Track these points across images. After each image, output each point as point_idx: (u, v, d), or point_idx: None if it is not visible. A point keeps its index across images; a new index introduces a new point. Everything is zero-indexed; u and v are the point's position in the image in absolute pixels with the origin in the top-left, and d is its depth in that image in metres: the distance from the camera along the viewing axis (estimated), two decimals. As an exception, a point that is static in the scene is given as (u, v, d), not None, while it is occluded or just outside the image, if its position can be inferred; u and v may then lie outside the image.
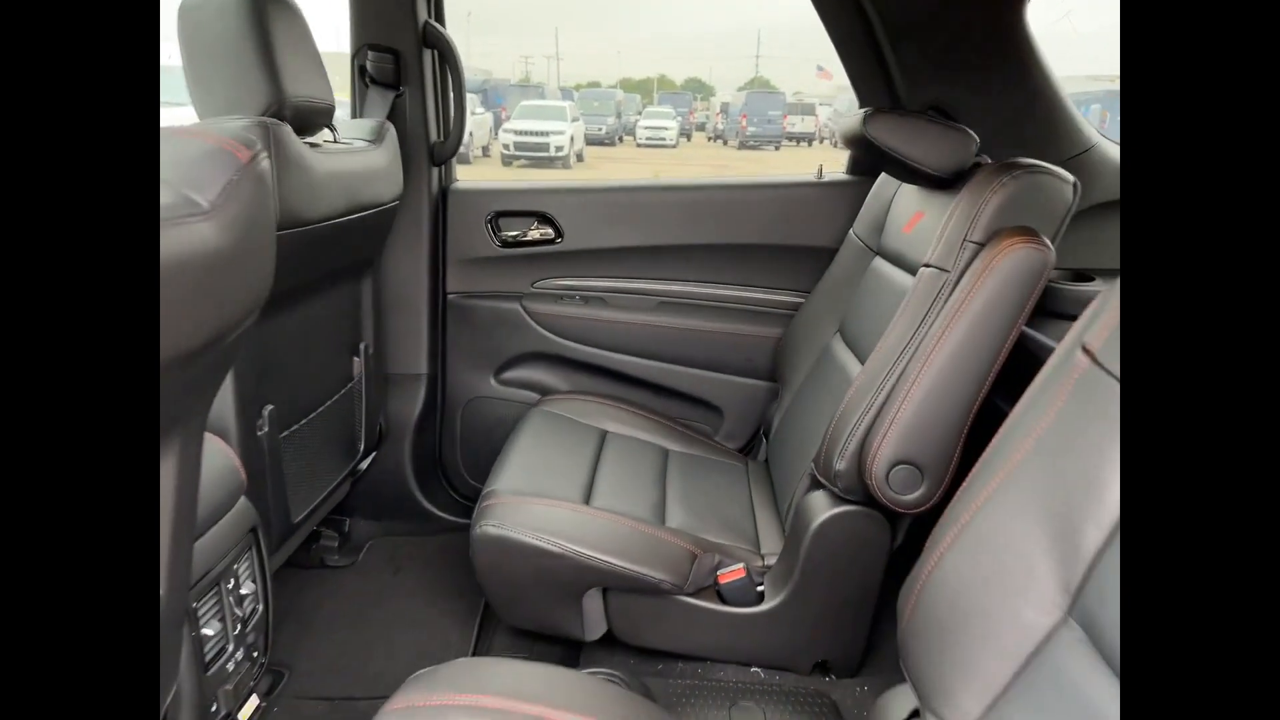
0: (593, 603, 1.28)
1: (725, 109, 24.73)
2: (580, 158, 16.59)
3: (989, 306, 1.05)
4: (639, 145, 20.18)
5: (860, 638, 1.30)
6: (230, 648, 1.09)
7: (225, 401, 1.18)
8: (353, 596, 1.67)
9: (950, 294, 1.11)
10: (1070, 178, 1.16)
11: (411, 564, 1.79)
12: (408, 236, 1.77)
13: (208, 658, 1.04)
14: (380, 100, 1.68)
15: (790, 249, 1.81)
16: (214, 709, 1.07)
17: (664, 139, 20.02)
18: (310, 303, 1.41)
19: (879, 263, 1.47)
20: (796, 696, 1.27)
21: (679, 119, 22.48)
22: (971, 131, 1.23)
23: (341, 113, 1.49)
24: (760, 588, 1.31)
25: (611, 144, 20.46)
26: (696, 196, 1.84)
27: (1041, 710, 0.61)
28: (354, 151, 1.40)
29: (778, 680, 1.32)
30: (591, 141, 18.52)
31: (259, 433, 1.25)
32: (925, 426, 1.09)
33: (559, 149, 15.30)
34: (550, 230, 1.86)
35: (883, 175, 1.62)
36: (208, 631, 1.03)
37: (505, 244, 1.86)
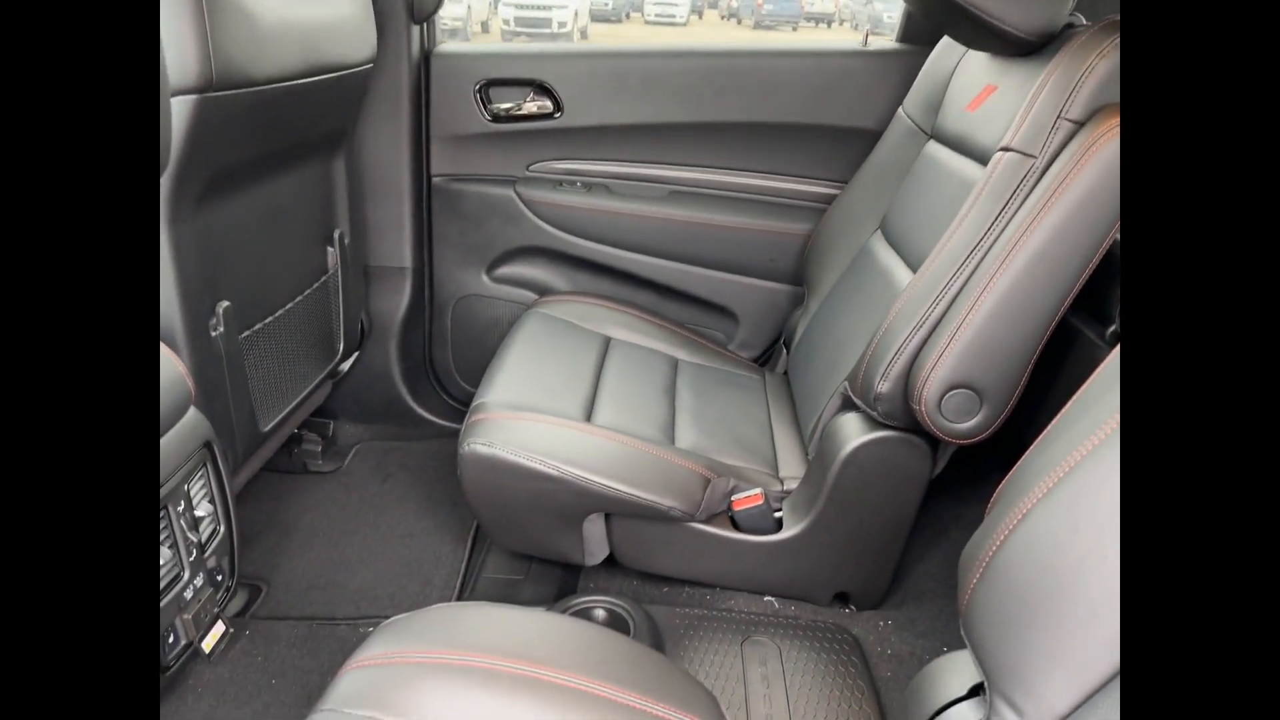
0: (594, 527, 1.16)
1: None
2: (584, 34, 15.69)
3: (1086, 201, 0.86)
4: (648, 22, 19.05)
5: (886, 570, 1.19)
6: (186, 574, 0.97)
7: (168, 300, 1.01)
8: (337, 505, 1.56)
9: (1036, 184, 0.92)
10: None
11: (401, 472, 1.67)
12: (384, 108, 1.54)
13: (161, 584, 0.92)
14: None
15: (826, 130, 1.58)
16: (171, 640, 0.96)
17: (673, 16, 18.88)
18: (271, 183, 1.21)
19: (934, 148, 1.26)
20: (814, 629, 1.17)
21: (694, -7, 21.04)
22: None
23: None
24: (778, 514, 1.18)
25: (618, 20, 19.28)
26: (719, 65, 1.59)
27: None
28: (313, 2, 1.16)
29: (793, 611, 1.22)
30: (597, 18, 17.45)
31: (213, 334, 1.09)
32: (991, 345, 0.92)
33: (561, 24, 14.44)
34: (548, 103, 1.62)
35: (943, 41, 1.38)
36: (161, 556, 0.91)
37: (496, 118, 1.63)
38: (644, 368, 1.41)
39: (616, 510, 1.13)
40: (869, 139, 1.50)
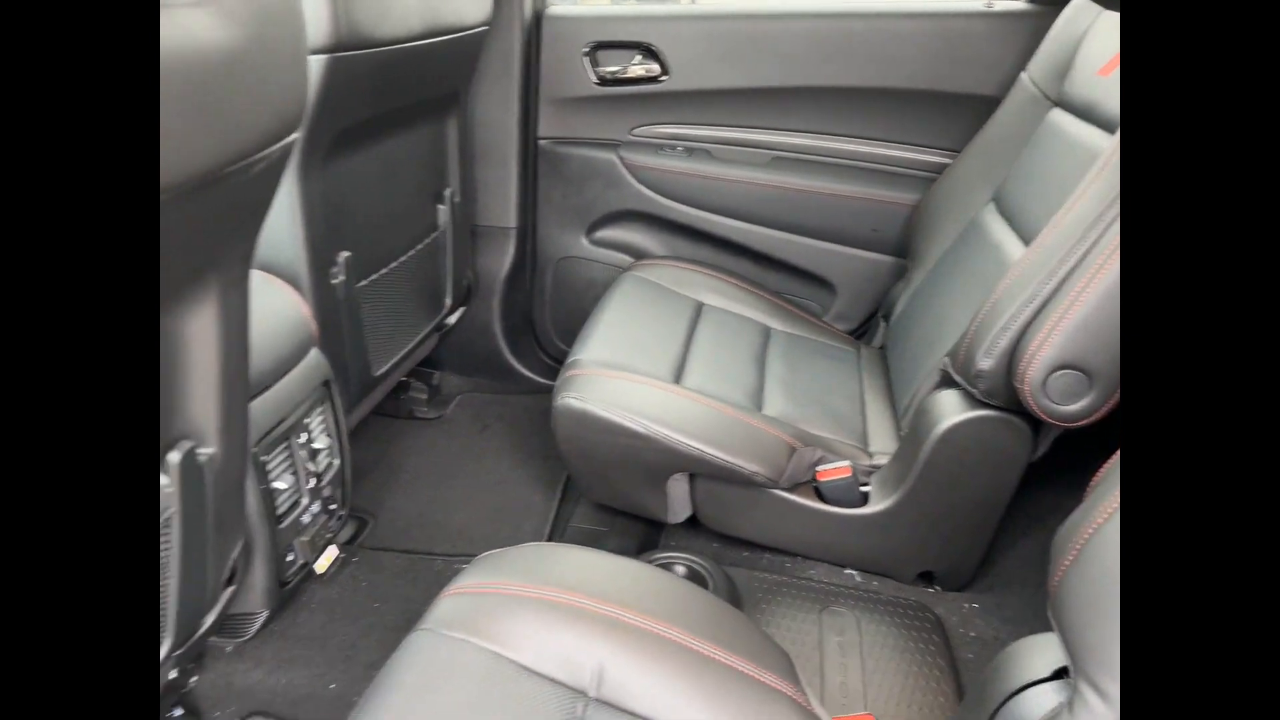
0: (678, 487, 1.19)
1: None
2: None
3: None
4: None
5: (975, 552, 1.16)
6: (305, 501, 1.07)
7: (295, 248, 1.09)
8: (439, 451, 1.66)
9: None
10: None
11: (498, 423, 1.75)
12: (496, 70, 1.58)
13: (280, 511, 1.01)
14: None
15: (940, 96, 1.51)
16: (290, 559, 1.06)
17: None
18: (389, 141, 1.28)
19: (1058, 115, 1.18)
20: (896, 606, 1.16)
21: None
22: None
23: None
24: (865, 489, 1.17)
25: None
26: (830, 27, 1.54)
27: None
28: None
29: (875, 586, 1.21)
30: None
31: (334, 281, 1.17)
32: (1105, 324, 0.87)
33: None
34: (655, 65, 1.62)
35: (1076, 1, 1.28)
36: (280, 485, 1.00)
37: (603, 81, 1.65)
38: (735, 334, 1.41)
39: (700, 471, 1.15)
40: (988, 106, 1.42)
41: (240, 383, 0.75)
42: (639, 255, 1.74)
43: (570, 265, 1.81)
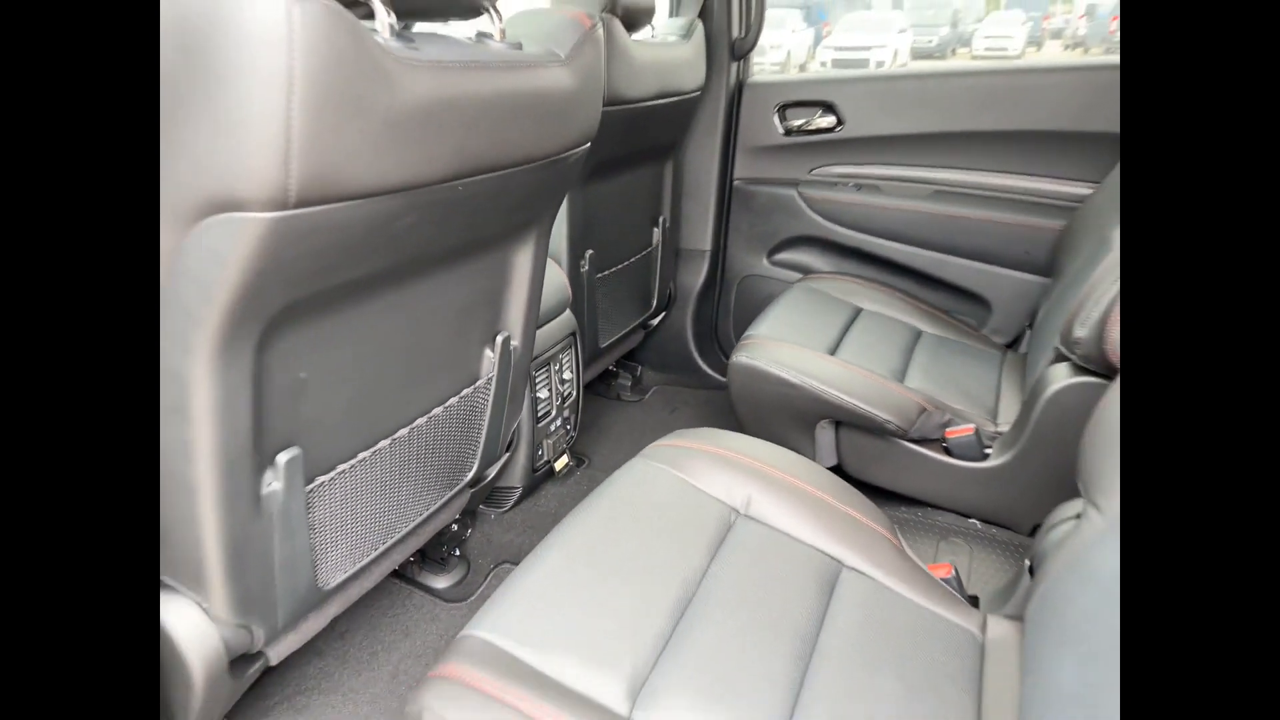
0: (825, 434, 1.49)
1: (1091, 9, 20.88)
2: (903, 73, 15.44)
3: None
4: (974, 57, 18.16)
5: None
6: (553, 414, 1.52)
7: (560, 240, 1.57)
8: (638, 423, 2.07)
9: None
10: None
11: (685, 408, 2.14)
12: (705, 125, 2.04)
13: (539, 414, 1.47)
14: (692, 3, 1.94)
15: (1083, 135, 1.72)
16: (540, 453, 1.51)
17: (1005, 49, 17.71)
18: (624, 176, 1.76)
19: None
20: (1008, 547, 1.35)
21: (1029, 23, 19.58)
22: None
23: (661, 12, 1.77)
24: (988, 450, 1.39)
25: (942, 56, 18.65)
26: (986, 82, 1.82)
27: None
28: (667, 45, 1.68)
29: (994, 533, 1.41)
30: (919, 54, 17.09)
31: (581, 269, 1.64)
32: None
33: (879, 64, 14.45)
34: (833, 118, 1.99)
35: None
36: (541, 394, 1.46)
37: (789, 132, 2.04)
38: (889, 330, 1.69)
39: (843, 418, 1.44)
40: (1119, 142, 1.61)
41: (535, 305, 1.20)
42: (811, 273, 2.08)
43: (751, 282, 2.19)
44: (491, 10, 0.85)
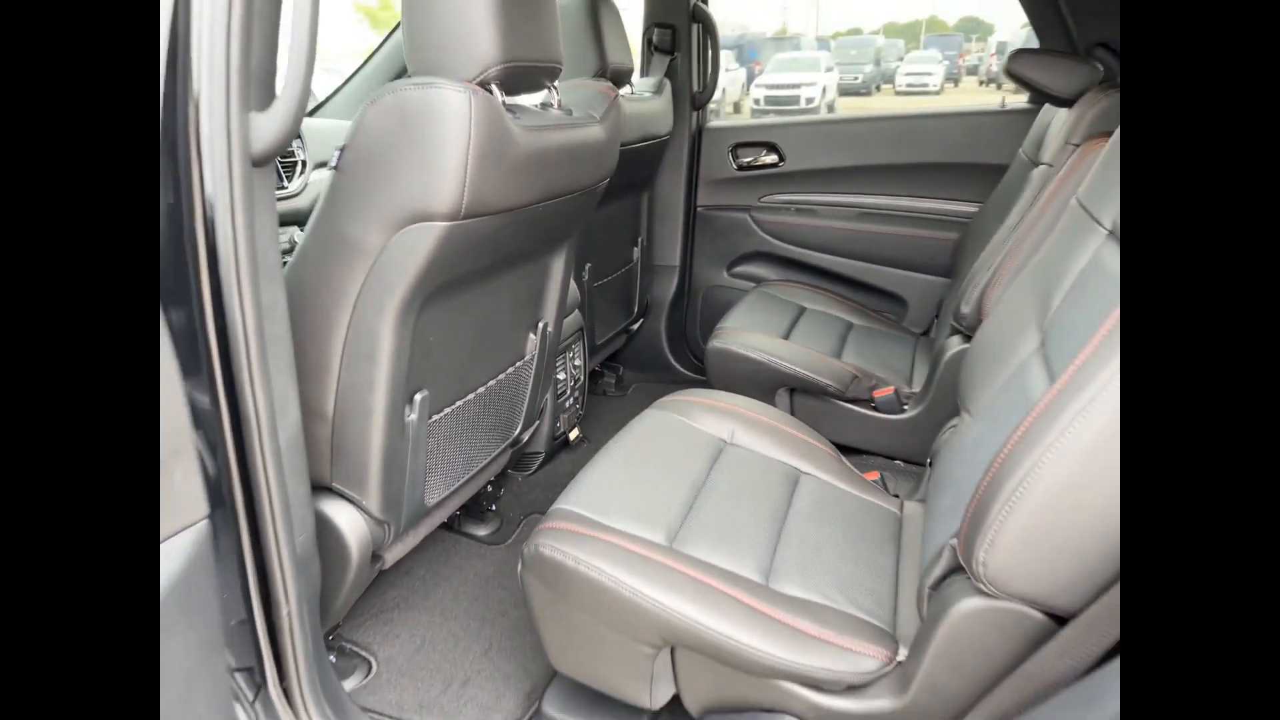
0: (782, 399, 1.90)
1: (1002, 49, 22.60)
2: (831, 108, 16.40)
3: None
4: (898, 93, 19.34)
5: None
6: (568, 393, 1.89)
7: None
8: (626, 413, 2.43)
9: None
10: None
11: (663, 399, 2.53)
12: (673, 162, 2.47)
13: (558, 392, 1.84)
14: (660, 63, 2.38)
15: (969, 165, 2.21)
16: (558, 424, 1.88)
17: (926, 85, 18.92)
18: (613, 203, 2.16)
19: (1036, 171, 1.86)
20: (921, 478, 1.78)
21: (946, 63, 21.03)
22: (1098, 63, 1.59)
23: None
24: (905, 406, 1.83)
25: (867, 93, 19.82)
26: (896, 125, 2.31)
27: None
28: (644, 99, 2.11)
29: (914, 470, 1.84)
30: (846, 92, 18.13)
31: (584, 278, 2.03)
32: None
33: (809, 100, 15.26)
34: (775, 156, 2.45)
35: (1048, 105, 1.97)
36: (560, 377, 1.83)
37: (740, 168, 2.49)
38: (827, 323, 2.13)
39: (795, 385, 1.85)
40: (999, 171, 2.11)
41: (564, 300, 1.58)
42: (763, 282, 2.51)
43: (714, 292, 2.61)
44: (551, 88, 1.24)
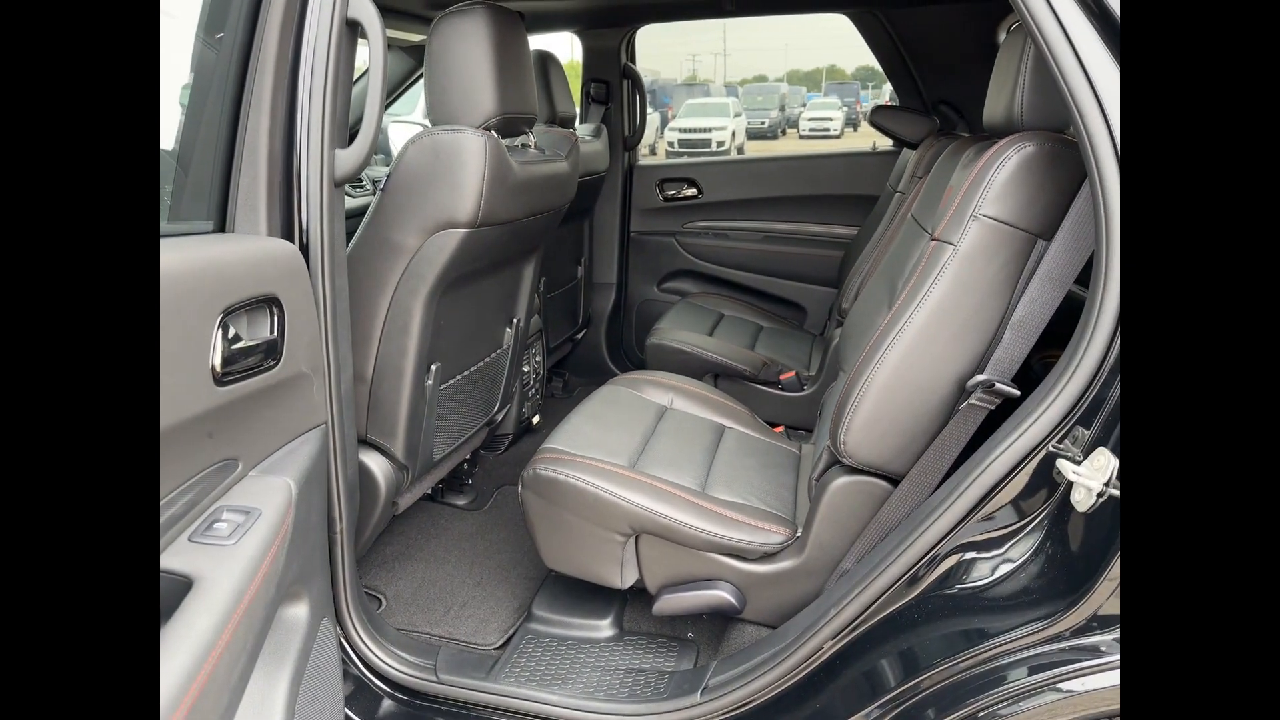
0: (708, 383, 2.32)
1: (895, 96, 24.45)
2: (741, 151, 17.34)
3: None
4: (802, 137, 20.53)
5: None
6: (531, 383, 2.25)
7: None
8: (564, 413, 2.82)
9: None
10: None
11: (605, 398, 2.92)
12: (610, 194, 2.90)
13: (525, 383, 2.20)
14: (597, 111, 2.81)
15: (851, 196, 2.74)
16: (524, 411, 2.23)
17: (828, 129, 20.11)
18: (562, 229, 2.55)
19: (895, 198, 2.38)
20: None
21: (845, 109, 22.56)
22: (932, 116, 2.12)
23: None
24: (805, 385, 2.28)
25: (774, 137, 20.95)
26: (793, 164, 2.82)
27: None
28: (585, 141, 2.53)
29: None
30: (753, 136, 19.13)
31: (539, 289, 2.41)
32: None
33: (720, 144, 16.07)
34: (695, 190, 2.91)
35: (906, 150, 2.51)
36: (525, 369, 2.19)
37: (666, 199, 2.94)
38: (742, 326, 2.58)
39: (718, 372, 2.27)
40: (872, 200, 2.64)
41: (532, 303, 1.95)
42: (688, 295, 2.95)
43: (647, 305, 3.03)
44: (529, 133, 1.64)
